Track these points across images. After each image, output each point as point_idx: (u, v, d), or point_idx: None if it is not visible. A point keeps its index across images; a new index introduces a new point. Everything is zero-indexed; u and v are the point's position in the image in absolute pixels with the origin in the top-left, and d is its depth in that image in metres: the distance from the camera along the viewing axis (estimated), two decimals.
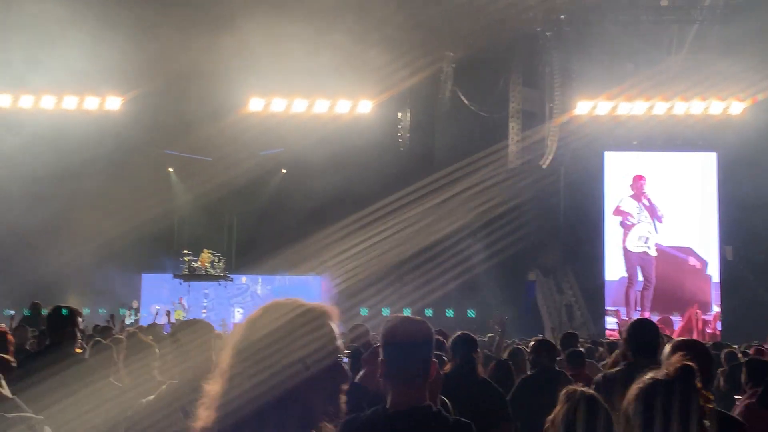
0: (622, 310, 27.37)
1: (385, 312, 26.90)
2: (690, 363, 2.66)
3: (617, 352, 8.27)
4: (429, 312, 27.15)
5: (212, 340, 3.96)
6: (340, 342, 1.85)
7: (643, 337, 5.19)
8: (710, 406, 2.64)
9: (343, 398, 1.81)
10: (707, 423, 2.52)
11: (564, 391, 3.57)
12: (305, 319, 1.80)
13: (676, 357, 2.81)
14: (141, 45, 22.93)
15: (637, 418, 2.56)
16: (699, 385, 2.60)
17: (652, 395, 2.56)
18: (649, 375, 2.69)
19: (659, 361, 4.83)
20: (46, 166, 24.35)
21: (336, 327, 1.88)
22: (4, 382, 3.90)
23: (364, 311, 27.02)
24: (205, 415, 1.75)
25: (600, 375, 5.38)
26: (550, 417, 3.51)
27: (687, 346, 3.84)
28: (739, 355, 9.97)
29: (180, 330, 4.13)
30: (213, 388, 1.76)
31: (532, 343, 7.75)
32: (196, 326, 4.12)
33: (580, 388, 3.66)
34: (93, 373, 5.38)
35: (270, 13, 22.55)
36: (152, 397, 3.96)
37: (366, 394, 3.30)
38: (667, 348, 3.85)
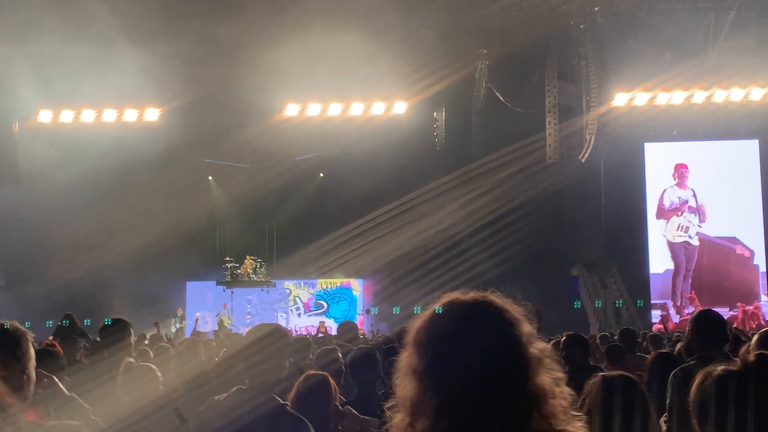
0: (669, 303, 27.06)
1: (418, 310, 26.91)
2: (765, 352, 2.57)
3: (681, 344, 8.04)
4: None
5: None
6: (526, 331, 1.83)
7: (710, 329, 5.09)
8: None
9: (542, 389, 1.79)
10: None
11: (596, 378, 3.57)
12: (486, 311, 1.81)
13: (746, 347, 2.69)
14: (178, 55, 23.17)
15: (713, 408, 2.46)
16: None
17: (725, 387, 2.46)
18: (721, 367, 2.57)
19: (726, 354, 4.73)
20: (87, 180, 24.75)
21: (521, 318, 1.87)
22: (58, 381, 4.00)
23: (396, 310, 27.12)
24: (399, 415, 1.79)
25: (678, 368, 5.17)
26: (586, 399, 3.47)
27: None
28: None
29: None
30: (403, 389, 1.80)
31: (563, 338, 7.44)
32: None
33: (616, 372, 3.65)
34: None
35: (304, 19, 22.68)
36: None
37: None
38: (755, 339, 3.75)
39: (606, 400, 3.48)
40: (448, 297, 1.87)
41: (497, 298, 1.84)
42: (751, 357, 2.51)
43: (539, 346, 1.79)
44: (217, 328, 22.83)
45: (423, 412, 1.74)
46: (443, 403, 1.71)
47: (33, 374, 3.04)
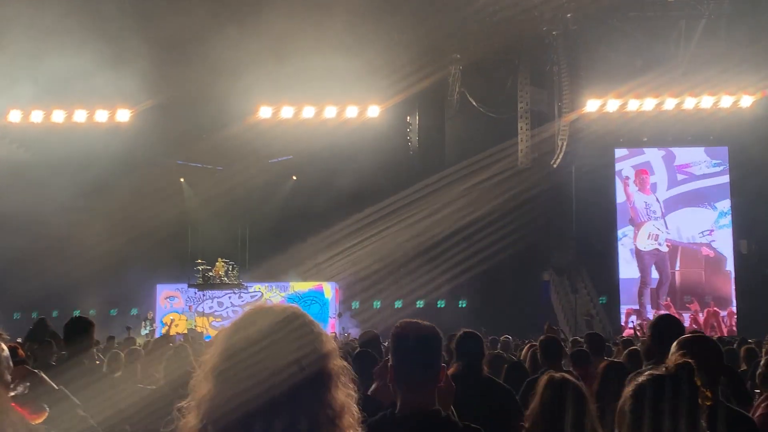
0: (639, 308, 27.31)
1: (398, 304, 27.10)
2: (688, 360, 2.65)
3: (630, 348, 8.23)
4: (442, 303, 27.33)
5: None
6: (330, 347, 1.84)
7: (667, 334, 5.15)
8: (708, 403, 2.62)
9: (340, 404, 1.81)
10: (703, 423, 2.50)
11: (543, 378, 3.81)
12: (297, 322, 1.80)
13: (677, 354, 2.81)
14: (149, 56, 23.02)
15: (629, 414, 2.55)
16: (699, 382, 2.58)
17: (645, 392, 2.54)
18: (648, 371, 2.69)
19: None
20: (58, 180, 24.51)
21: (325, 332, 1.88)
22: (45, 376, 3.97)
23: (376, 304, 27.21)
24: (192, 415, 1.75)
25: (633, 373, 5.27)
26: (532, 405, 3.71)
27: (694, 342, 3.81)
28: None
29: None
30: (200, 389, 1.76)
31: (539, 342, 7.65)
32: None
33: (557, 374, 3.88)
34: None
35: (277, 22, 22.62)
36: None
37: (379, 408, 3.30)
38: (674, 345, 3.82)
39: (550, 398, 3.77)
40: (257, 305, 1.87)
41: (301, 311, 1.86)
42: (671, 363, 2.60)
43: (339, 362, 1.80)
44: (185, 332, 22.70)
45: (217, 417, 1.68)
46: (239, 411, 1.66)
47: (7, 377, 2.97)
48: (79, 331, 5.95)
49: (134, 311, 25.72)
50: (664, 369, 2.66)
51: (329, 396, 1.75)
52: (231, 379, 1.69)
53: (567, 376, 3.83)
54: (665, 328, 5.15)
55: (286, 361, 1.69)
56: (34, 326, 12.32)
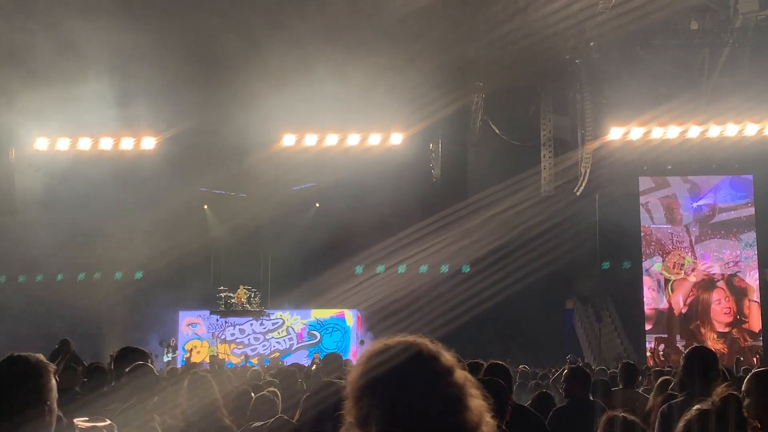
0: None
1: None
2: (734, 393, 2.63)
3: (670, 379, 8.08)
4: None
5: None
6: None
7: (700, 366, 5.13)
8: None
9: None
10: None
11: (604, 417, 3.76)
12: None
13: (723, 387, 2.79)
14: (175, 84, 23.27)
15: None
16: (746, 414, 2.56)
17: (695, 427, 2.52)
18: (696, 407, 2.66)
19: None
20: (83, 208, 24.75)
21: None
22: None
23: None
24: None
25: (666, 405, 5.29)
26: None
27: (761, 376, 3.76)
28: None
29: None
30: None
31: (566, 371, 7.57)
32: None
33: (620, 413, 3.83)
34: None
35: (300, 51, 22.82)
36: None
37: None
38: (749, 379, 3.77)
39: None
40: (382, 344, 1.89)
41: (430, 344, 1.86)
42: (717, 398, 2.58)
43: (477, 402, 1.83)
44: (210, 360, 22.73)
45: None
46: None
47: (55, 407, 2.98)
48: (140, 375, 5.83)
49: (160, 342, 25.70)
50: (710, 403, 2.63)
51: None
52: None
53: (632, 418, 3.82)
54: (698, 360, 5.12)
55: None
56: (58, 348, 12.33)
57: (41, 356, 3.02)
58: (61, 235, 24.79)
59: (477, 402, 1.81)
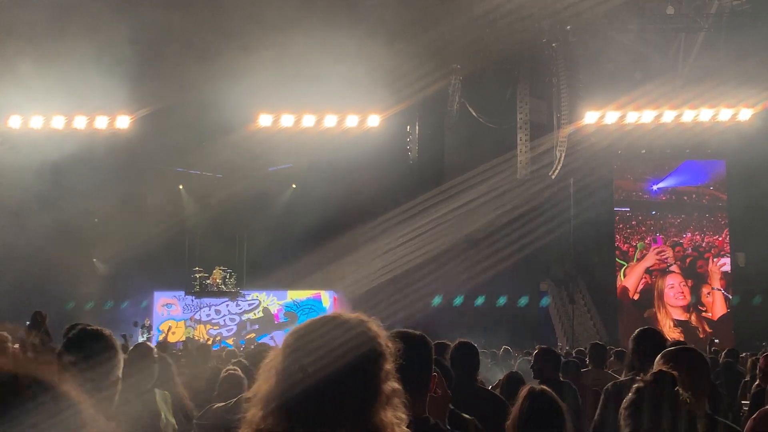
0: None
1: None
2: (665, 370, 2.74)
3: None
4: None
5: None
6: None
7: (647, 345, 5.20)
8: (693, 410, 2.69)
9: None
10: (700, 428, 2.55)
11: (523, 389, 3.87)
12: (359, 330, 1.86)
13: (657, 365, 2.89)
14: (149, 63, 23.07)
15: (623, 428, 2.64)
16: (681, 391, 2.64)
17: (636, 403, 2.63)
18: (635, 385, 2.77)
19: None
20: (57, 186, 24.53)
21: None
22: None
23: None
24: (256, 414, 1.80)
25: (610, 383, 5.42)
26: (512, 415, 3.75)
27: (677, 354, 3.82)
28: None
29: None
30: (263, 386, 1.81)
31: (536, 352, 7.66)
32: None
33: (538, 386, 3.93)
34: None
35: (277, 30, 22.67)
36: None
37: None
38: (658, 357, 3.85)
39: (528, 410, 3.75)
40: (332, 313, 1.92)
41: (375, 325, 1.89)
42: (648, 375, 2.70)
43: (394, 385, 1.85)
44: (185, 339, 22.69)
45: (272, 410, 1.77)
46: (291, 406, 1.75)
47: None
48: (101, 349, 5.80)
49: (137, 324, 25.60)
50: (642, 381, 2.73)
51: (376, 414, 1.81)
52: (285, 376, 1.78)
53: (545, 389, 3.89)
54: (646, 340, 5.22)
55: (339, 369, 1.76)
56: (31, 322, 12.20)
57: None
58: (33, 214, 24.54)
59: (393, 409, 1.84)
